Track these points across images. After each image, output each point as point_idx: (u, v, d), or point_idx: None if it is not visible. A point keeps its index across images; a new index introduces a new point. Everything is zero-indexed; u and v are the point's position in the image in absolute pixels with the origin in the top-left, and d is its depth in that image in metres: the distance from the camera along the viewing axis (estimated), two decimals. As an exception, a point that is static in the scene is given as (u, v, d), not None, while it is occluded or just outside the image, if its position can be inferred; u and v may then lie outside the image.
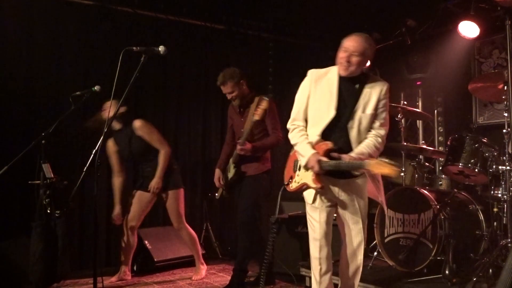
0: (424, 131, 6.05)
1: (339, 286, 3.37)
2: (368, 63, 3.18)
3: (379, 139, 3.10)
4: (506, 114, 3.66)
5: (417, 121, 6.12)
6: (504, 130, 3.67)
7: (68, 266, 4.45)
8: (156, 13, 5.68)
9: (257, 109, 4.03)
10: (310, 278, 4.30)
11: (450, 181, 4.31)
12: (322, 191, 3.11)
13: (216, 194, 4.59)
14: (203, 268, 4.86)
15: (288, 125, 3.23)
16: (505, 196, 3.58)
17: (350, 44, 3.02)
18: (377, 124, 3.10)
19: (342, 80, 3.09)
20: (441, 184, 4.38)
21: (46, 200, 3.96)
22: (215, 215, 6.07)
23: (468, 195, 4.08)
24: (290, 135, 3.20)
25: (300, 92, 3.20)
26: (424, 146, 4.51)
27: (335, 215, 3.28)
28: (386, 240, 4.09)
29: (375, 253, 4.19)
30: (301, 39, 6.73)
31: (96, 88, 4.12)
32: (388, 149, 5.37)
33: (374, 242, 4.26)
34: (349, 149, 3.02)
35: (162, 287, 4.48)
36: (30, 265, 3.90)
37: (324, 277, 3.20)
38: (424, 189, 4.04)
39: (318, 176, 3.04)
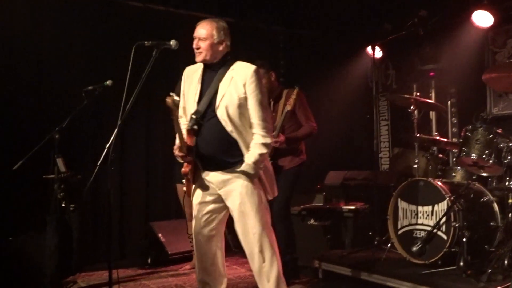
0: (437, 123, 6.00)
1: None
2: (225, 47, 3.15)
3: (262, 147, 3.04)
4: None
5: (430, 112, 6.06)
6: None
7: (83, 259, 4.51)
8: (166, 7, 5.68)
9: (288, 99, 4.05)
10: (323, 270, 4.32)
11: (464, 173, 4.26)
12: (199, 186, 3.17)
13: None
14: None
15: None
16: (520, 187, 3.55)
17: (196, 30, 3.10)
18: (255, 121, 3.04)
19: (206, 70, 3.15)
20: (455, 176, 4.33)
21: (61, 194, 4.00)
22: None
23: (483, 186, 4.04)
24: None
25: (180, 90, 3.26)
26: (438, 138, 4.47)
27: None
28: (399, 232, 4.08)
29: (389, 245, 4.18)
30: (312, 31, 6.69)
31: (108, 82, 4.15)
32: (401, 140, 5.37)
33: (388, 234, 4.24)
34: (227, 137, 3.01)
35: (176, 280, 4.51)
36: (46, 258, 3.94)
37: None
38: (438, 181, 4.01)
39: (187, 163, 3.13)
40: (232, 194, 3.08)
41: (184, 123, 3.20)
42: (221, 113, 3.01)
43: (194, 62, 3.31)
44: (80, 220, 4.26)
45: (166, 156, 5.86)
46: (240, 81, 3.03)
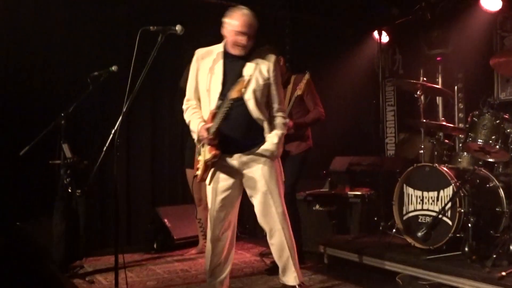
0: (444, 108, 5.97)
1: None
2: None
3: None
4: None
5: (437, 97, 6.03)
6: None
7: (90, 244, 4.55)
8: (172, -8, 5.65)
9: (298, 84, 4.05)
10: (328, 255, 4.34)
11: (470, 158, 4.24)
12: (219, 171, 3.20)
13: None
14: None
15: (183, 106, 3.30)
16: (527, 173, 3.53)
17: (246, 27, 3.11)
18: (276, 105, 3.24)
19: (227, 55, 3.18)
20: (461, 161, 4.31)
21: (67, 180, 4.02)
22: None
23: (489, 172, 4.02)
24: (185, 115, 3.29)
25: (190, 72, 3.27)
26: (444, 123, 4.44)
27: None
28: (404, 218, 4.08)
29: (394, 231, 4.18)
30: (318, 16, 6.64)
31: (114, 68, 4.14)
32: (407, 126, 5.35)
33: (393, 219, 4.25)
34: (252, 121, 3.13)
35: (182, 264, 4.55)
36: (53, 244, 3.98)
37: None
38: (444, 166, 4.00)
39: (212, 146, 3.11)
40: (256, 174, 3.20)
41: (193, 105, 3.26)
42: (248, 97, 3.11)
43: (199, 47, 3.30)
44: (86, 205, 4.28)
45: (172, 141, 5.89)
46: (264, 67, 3.18)
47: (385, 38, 6.03)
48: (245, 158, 3.19)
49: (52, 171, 4.28)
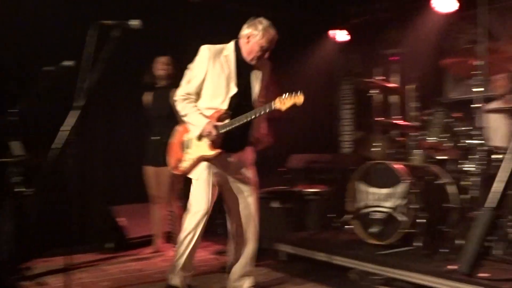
0: (398, 106, 6.09)
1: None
2: None
3: None
4: (477, 89, 3.70)
5: (392, 96, 6.15)
6: (475, 105, 3.71)
7: (41, 245, 4.41)
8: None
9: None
10: (285, 252, 4.36)
11: (423, 156, 4.36)
12: (213, 166, 3.24)
13: None
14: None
15: (178, 97, 3.29)
16: (475, 170, 3.64)
17: (272, 42, 3.26)
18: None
19: (239, 59, 3.26)
20: (413, 159, 4.42)
21: (17, 178, 3.89)
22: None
23: (439, 169, 4.14)
24: (179, 106, 3.27)
25: (198, 67, 3.26)
26: (398, 121, 4.54)
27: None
28: (359, 214, 4.15)
29: (349, 227, 4.25)
30: (276, 13, 6.65)
31: (68, 63, 4.02)
32: (363, 124, 5.43)
33: (347, 216, 4.31)
34: (251, 123, 3.26)
35: (137, 264, 4.47)
36: (0, 244, 3.84)
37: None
38: (397, 164, 4.08)
39: (214, 143, 3.16)
40: (248, 172, 3.38)
41: (191, 99, 3.26)
42: (253, 103, 3.27)
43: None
44: (38, 204, 4.15)
45: (127, 138, 5.78)
46: (265, 74, 3.38)
47: (342, 37, 6.11)
48: (241, 156, 3.34)
49: (2, 169, 4.13)
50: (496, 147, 3.82)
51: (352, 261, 3.77)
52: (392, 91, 5.18)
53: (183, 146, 3.37)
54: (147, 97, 4.96)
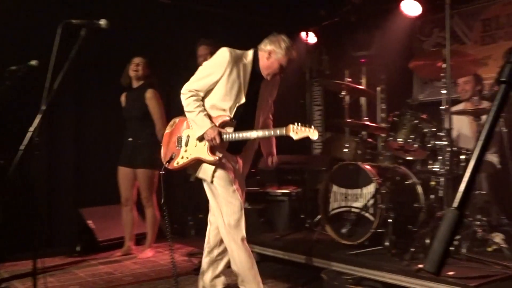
0: (367, 108, 6.17)
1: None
2: None
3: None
4: (444, 91, 3.79)
5: (361, 98, 6.23)
6: (442, 107, 3.80)
7: (7, 248, 4.30)
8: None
9: None
10: (256, 253, 4.36)
11: (391, 157, 4.43)
12: (221, 165, 3.20)
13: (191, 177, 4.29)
14: (151, 249, 4.83)
15: (186, 92, 3.21)
16: (442, 170, 3.73)
17: (290, 64, 3.27)
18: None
19: (254, 70, 3.23)
20: (382, 160, 4.49)
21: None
22: (160, 193, 6.00)
23: (408, 169, 4.22)
24: (186, 100, 3.20)
25: (215, 67, 3.19)
26: (367, 123, 4.61)
27: None
28: (329, 215, 4.18)
29: (320, 228, 4.28)
30: (247, 15, 6.67)
31: (34, 62, 3.93)
32: (333, 125, 5.48)
33: (319, 216, 4.35)
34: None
35: (107, 267, 4.41)
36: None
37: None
38: (367, 164, 4.14)
39: (213, 148, 3.13)
40: (243, 174, 3.47)
41: (199, 97, 3.21)
42: (257, 116, 3.33)
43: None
44: (2, 207, 4.04)
45: (97, 139, 5.70)
46: (273, 90, 3.47)
47: (312, 39, 6.15)
48: (240, 160, 3.37)
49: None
50: (462, 148, 3.92)
51: (323, 261, 3.79)
52: (362, 92, 5.25)
53: (180, 140, 3.32)
54: (123, 98, 4.91)
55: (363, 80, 6.26)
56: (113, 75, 5.70)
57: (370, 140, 4.74)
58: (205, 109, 3.18)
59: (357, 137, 4.73)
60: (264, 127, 3.47)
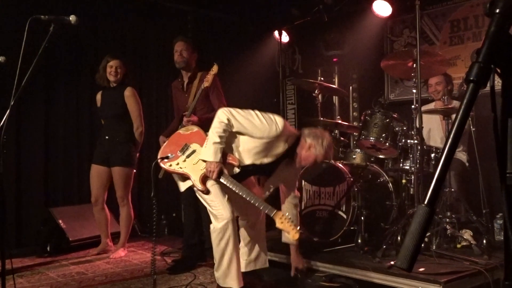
0: (339, 107, 6.25)
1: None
2: None
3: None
4: (414, 91, 3.86)
5: (333, 97, 6.30)
6: (413, 106, 3.87)
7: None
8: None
9: (206, 76, 3.97)
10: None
11: (364, 155, 4.49)
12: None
13: (160, 173, 4.15)
14: (123, 248, 4.78)
15: (225, 119, 3.15)
16: (413, 168, 3.80)
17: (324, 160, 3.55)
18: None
19: (288, 152, 3.26)
20: (355, 158, 4.54)
21: None
22: (132, 191, 5.94)
23: (380, 168, 4.28)
24: (218, 123, 3.15)
25: (261, 130, 3.15)
26: (340, 121, 4.65)
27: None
28: (303, 213, 4.21)
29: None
30: (220, 13, 6.65)
31: (1, 59, 3.84)
32: (306, 124, 5.51)
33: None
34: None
35: (78, 267, 4.34)
36: None
37: None
38: (339, 163, 4.18)
39: (205, 178, 3.16)
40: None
41: (228, 131, 3.20)
42: (265, 186, 3.51)
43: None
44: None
45: (67, 137, 5.60)
46: (291, 176, 3.54)
47: (285, 38, 6.17)
48: None
49: None
50: (433, 147, 3.99)
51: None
52: (334, 91, 5.30)
53: (185, 149, 3.34)
54: (98, 97, 4.82)
55: (336, 79, 6.34)
56: (83, 72, 5.63)
57: (342, 138, 4.79)
58: (224, 144, 3.15)
59: (329, 135, 4.77)
60: (288, 204, 3.56)
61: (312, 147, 3.21)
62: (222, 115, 3.16)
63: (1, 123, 2.92)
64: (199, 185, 3.17)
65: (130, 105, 4.67)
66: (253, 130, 3.14)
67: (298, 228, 3.08)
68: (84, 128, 5.58)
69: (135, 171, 4.84)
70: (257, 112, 3.22)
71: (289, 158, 3.29)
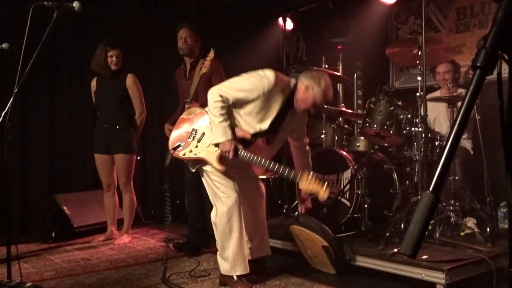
0: (344, 94, 6.22)
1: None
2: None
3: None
4: (419, 78, 3.83)
5: (338, 84, 6.27)
6: (417, 94, 3.85)
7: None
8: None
9: (204, 62, 3.96)
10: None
11: (367, 143, 4.48)
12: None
13: (166, 161, 4.18)
14: (128, 235, 4.81)
15: (217, 96, 3.10)
16: (417, 156, 3.79)
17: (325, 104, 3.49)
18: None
19: (288, 100, 3.17)
20: (359, 146, 4.54)
21: None
22: (137, 178, 5.96)
23: (384, 155, 4.27)
24: (214, 104, 3.09)
25: (253, 88, 3.09)
26: (344, 109, 4.64)
27: None
28: (306, 200, 4.21)
29: (296, 213, 4.30)
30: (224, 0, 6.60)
31: (4, 45, 3.83)
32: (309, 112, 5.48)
33: (296, 202, 4.37)
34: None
35: (83, 253, 4.37)
36: None
37: None
38: (343, 151, 4.18)
39: (223, 157, 3.11)
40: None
41: (226, 106, 3.14)
42: (274, 142, 3.38)
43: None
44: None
45: (71, 124, 5.61)
46: (299, 124, 3.44)
47: (289, 25, 6.13)
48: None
49: None
50: (437, 134, 3.98)
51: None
52: (338, 79, 5.27)
53: (194, 134, 3.29)
54: (94, 83, 4.82)
55: (340, 67, 6.29)
56: (87, 59, 5.60)
57: (346, 126, 4.78)
58: (228, 119, 3.10)
59: (334, 123, 4.77)
60: (300, 154, 3.50)
61: (309, 88, 3.11)
62: (213, 94, 3.12)
63: (6, 110, 2.93)
64: (217, 166, 3.13)
65: (132, 92, 4.66)
66: (248, 94, 3.08)
67: (326, 184, 2.99)
68: (88, 114, 5.58)
69: (138, 158, 4.86)
70: (244, 74, 3.18)
71: (292, 108, 3.21)
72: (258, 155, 3.09)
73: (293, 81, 3.22)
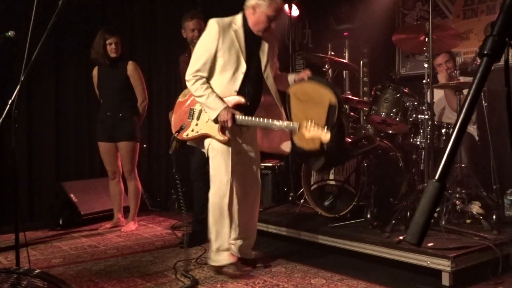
0: (350, 82, 6.18)
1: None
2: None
3: None
4: (426, 65, 3.80)
5: (344, 71, 6.23)
6: (424, 81, 3.82)
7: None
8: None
9: None
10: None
11: (373, 130, 4.46)
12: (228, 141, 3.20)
13: (170, 149, 4.25)
14: (134, 222, 4.84)
15: (189, 76, 3.17)
16: (423, 144, 3.77)
17: (278, 13, 3.16)
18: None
19: (247, 32, 3.17)
20: (365, 133, 4.53)
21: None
22: (143, 166, 5.98)
23: (390, 143, 4.26)
24: (193, 86, 3.16)
25: (207, 43, 3.14)
26: (350, 96, 4.61)
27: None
28: (312, 188, 4.22)
29: (302, 201, 4.32)
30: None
31: (11, 33, 3.83)
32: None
33: (301, 190, 4.38)
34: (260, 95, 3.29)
35: (90, 240, 4.41)
36: None
37: None
38: (349, 138, 4.16)
39: (224, 128, 3.13)
40: (256, 146, 3.52)
41: (204, 80, 3.15)
42: (267, 76, 3.27)
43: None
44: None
45: (77, 113, 5.63)
46: (273, 48, 3.34)
47: (295, 11, 6.09)
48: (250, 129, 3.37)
49: None
50: (444, 122, 3.96)
51: (306, 233, 3.85)
52: (344, 66, 5.25)
53: (192, 113, 3.32)
54: (95, 72, 4.82)
55: (346, 54, 6.25)
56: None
57: (352, 114, 4.76)
58: (214, 91, 3.14)
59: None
60: (283, 80, 3.44)
61: (255, 7, 3.11)
62: (188, 79, 3.19)
63: (12, 98, 2.93)
64: (220, 137, 3.16)
65: (134, 79, 4.66)
66: (207, 49, 3.12)
67: (326, 127, 2.98)
68: (95, 102, 5.58)
69: (144, 146, 4.87)
70: (198, 41, 3.25)
71: (257, 38, 3.21)
72: (258, 118, 3.12)
73: (239, 15, 3.23)
